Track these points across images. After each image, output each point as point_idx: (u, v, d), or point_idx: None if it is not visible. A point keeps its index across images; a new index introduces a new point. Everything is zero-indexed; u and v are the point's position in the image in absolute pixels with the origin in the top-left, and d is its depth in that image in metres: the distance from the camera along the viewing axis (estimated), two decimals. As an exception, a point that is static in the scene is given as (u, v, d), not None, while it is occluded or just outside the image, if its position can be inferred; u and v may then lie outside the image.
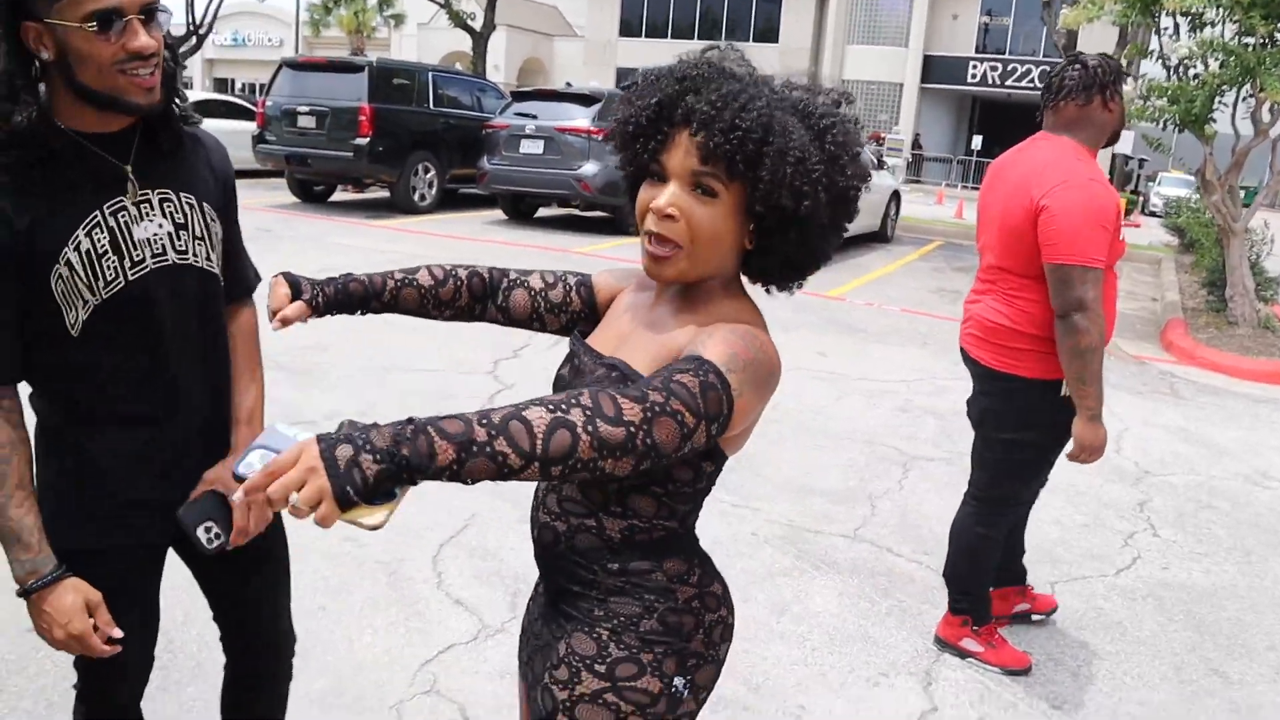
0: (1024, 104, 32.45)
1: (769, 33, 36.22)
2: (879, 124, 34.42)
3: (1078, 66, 2.85)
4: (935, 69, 35.43)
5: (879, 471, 4.90)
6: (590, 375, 1.37)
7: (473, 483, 1.05)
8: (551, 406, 1.09)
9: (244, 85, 44.42)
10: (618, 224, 12.70)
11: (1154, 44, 9.74)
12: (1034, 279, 2.82)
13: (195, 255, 1.65)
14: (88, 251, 1.51)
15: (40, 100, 1.46)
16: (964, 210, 19.94)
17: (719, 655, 1.44)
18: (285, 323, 1.44)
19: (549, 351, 6.33)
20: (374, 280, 1.51)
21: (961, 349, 3.13)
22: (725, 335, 1.26)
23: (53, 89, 1.49)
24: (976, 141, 33.53)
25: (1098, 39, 15.99)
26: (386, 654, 2.98)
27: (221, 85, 46.72)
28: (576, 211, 13.80)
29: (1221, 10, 8.43)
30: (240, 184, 1.85)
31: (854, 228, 1.44)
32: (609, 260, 10.45)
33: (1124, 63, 2.80)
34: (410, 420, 1.04)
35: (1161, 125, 9.15)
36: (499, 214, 13.72)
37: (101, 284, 1.53)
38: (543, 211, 14.24)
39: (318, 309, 1.48)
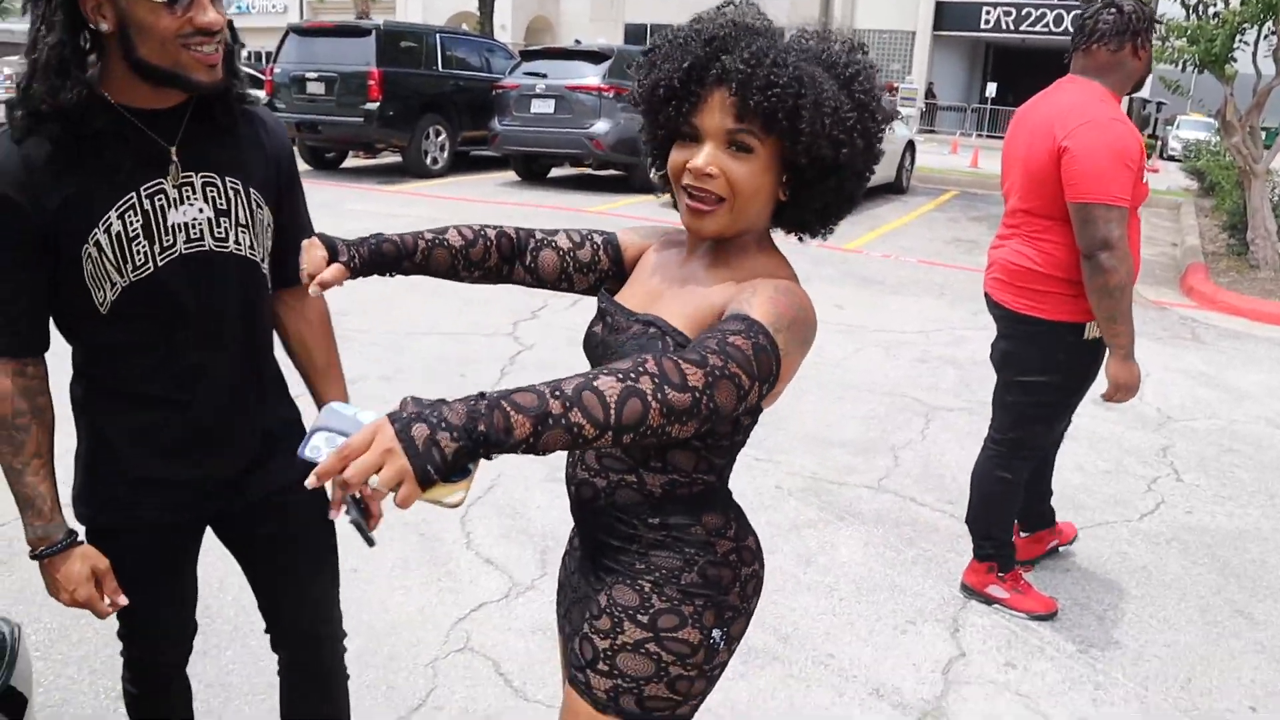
0: (1039, 49, 31.95)
1: (778, -17, 35.69)
2: (891, 74, 33.92)
3: (1112, 10, 2.81)
4: (947, 15, 34.82)
5: (900, 422, 4.91)
6: (625, 332, 1.39)
7: (545, 454, 1.06)
8: (620, 375, 1.08)
9: (250, 54, 44.11)
10: (631, 182, 12.64)
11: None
12: (1058, 220, 2.82)
13: (237, 243, 1.60)
14: (118, 234, 1.49)
15: (90, 76, 1.43)
16: (979, 159, 19.75)
17: (750, 608, 1.48)
18: (324, 286, 1.42)
19: (567, 312, 6.34)
20: (405, 240, 1.50)
21: (985, 294, 3.13)
22: (769, 294, 1.27)
23: (106, 62, 1.45)
24: (991, 89, 33.04)
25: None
26: (420, 613, 3.02)
27: (227, 54, 46.28)
28: (589, 170, 13.73)
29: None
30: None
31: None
32: (624, 218, 10.42)
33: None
34: (482, 395, 1.05)
35: (1181, 66, 9.03)
36: (511, 175, 13.67)
37: (130, 267, 1.51)
38: (555, 172, 14.18)
39: (355, 271, 1.46)
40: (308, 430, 1.18)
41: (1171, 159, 24.00)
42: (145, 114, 1.49)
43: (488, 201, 11.33)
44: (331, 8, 38.72)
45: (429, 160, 13.09)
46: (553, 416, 1.04)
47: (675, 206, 1.40)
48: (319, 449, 1.14)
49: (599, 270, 1.59)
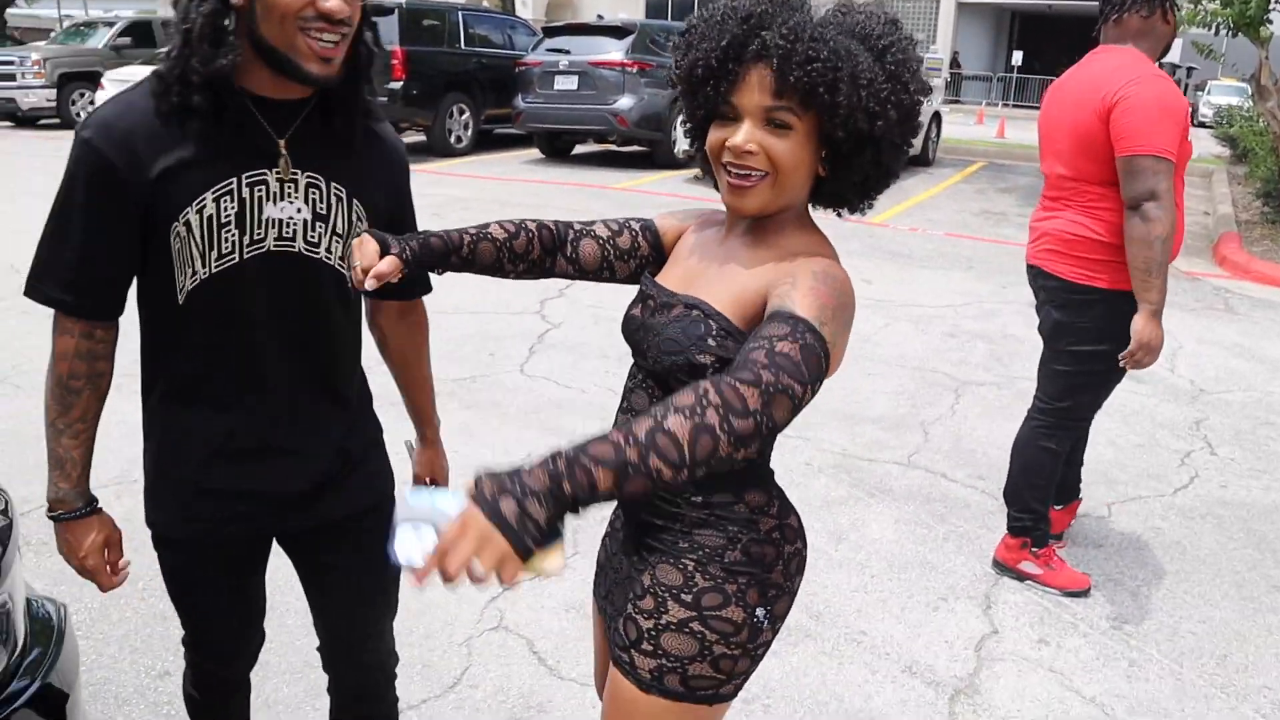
0: (1066, 15, 31.50)
1: (801, -47, 35.27)
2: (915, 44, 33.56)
3: None
4: (972, -17, 34.43)
5: (930, 398, 4.89)
6: (668, 314, 1.39)
7: (625, 500, 1.07)
8: (688, 413, 1.09)
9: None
10: (655, 158, 12.59)
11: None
12: (1112, 186, 2.83)
13: (329, 251, 1.55)
14: (210, 217, 1.45)
15: (239, 50, 1.39)
16: (1005, 129, 19.51)
17: (794, 587, 1.48)
18: (379, 279, 1.39)
19: (594, 290, 6.34)
20: (451, 236, 1.49)
21: (1032, 265, 3.12)
22: (810, 283, 1.26)
23: (236, 42, 1.41)
24: (1017, 57, 32.64)
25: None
26: (454, 592, 3.05)
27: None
28: (613, 147, 13.68)
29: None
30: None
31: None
32: (649, 194, 10.39)
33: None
34: (558, 454, 1.06)
35: (1214, 30, 8.86)
36: (536, 153, 13.65)
37: (215, 255, 1.47)
38: (579, 148, 14.14)
39: (407, 264, 1.44)
40: (391, 524, 1.14)
41: (1203, 125, 23.55)
42: (265, 102, 1.46)
43: (514, 179, 11.32)
44: (353, -14, 38.48)
45: (453, 139, 13.11)
46: (631, 465, 1.06)
47: (715, 186, 1.40)
48: (409, 545, 1.11)
49: (639, 256, 1.59)
